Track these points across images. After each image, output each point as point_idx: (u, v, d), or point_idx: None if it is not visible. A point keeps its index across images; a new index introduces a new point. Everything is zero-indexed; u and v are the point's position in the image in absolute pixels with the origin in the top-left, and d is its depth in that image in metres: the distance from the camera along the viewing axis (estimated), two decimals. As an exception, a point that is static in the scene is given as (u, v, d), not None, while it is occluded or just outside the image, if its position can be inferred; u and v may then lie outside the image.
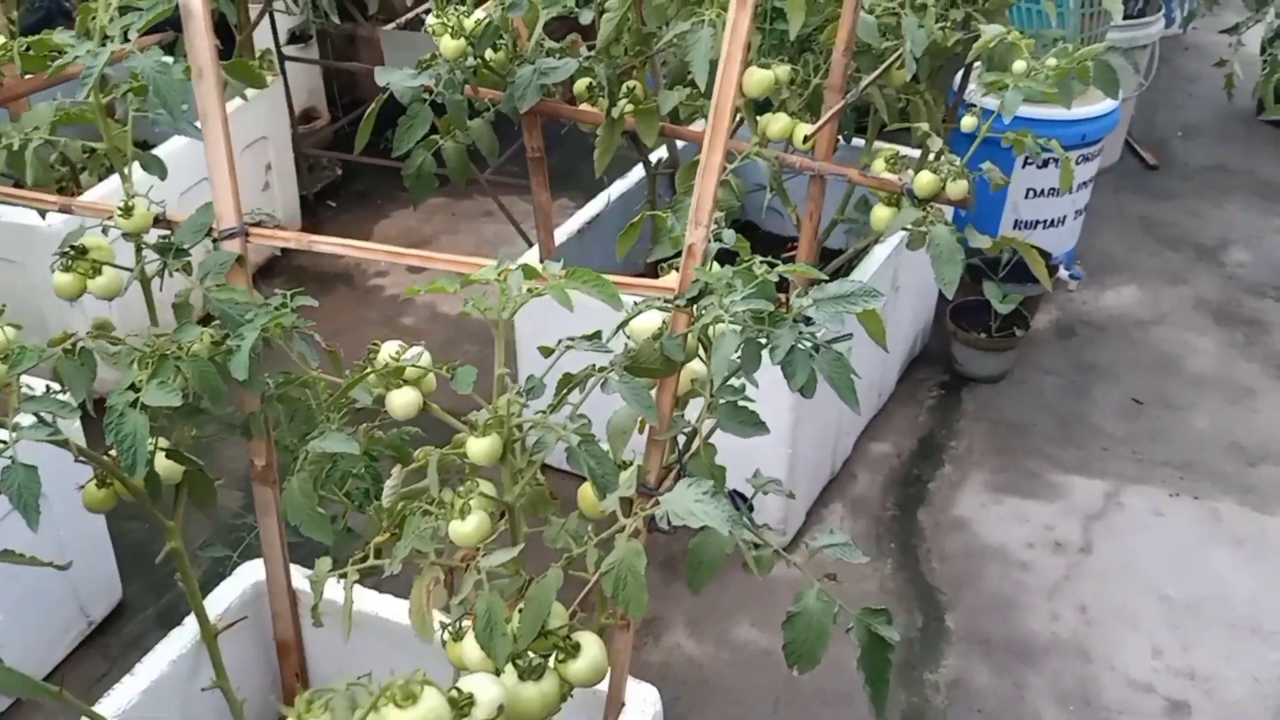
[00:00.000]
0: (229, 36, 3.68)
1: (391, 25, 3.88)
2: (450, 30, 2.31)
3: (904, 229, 2.27)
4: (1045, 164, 3.61)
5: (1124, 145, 4.57)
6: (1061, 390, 3.39)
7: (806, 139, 2.27)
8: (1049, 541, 2.87)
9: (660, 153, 3.09)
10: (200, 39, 1.59)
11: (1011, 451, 3.16)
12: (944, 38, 2.49)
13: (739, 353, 1.32)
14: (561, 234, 3.01)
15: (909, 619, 2.67)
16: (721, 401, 1.39)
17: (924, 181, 2.23)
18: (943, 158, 2.25)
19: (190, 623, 1.83)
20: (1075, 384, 3.41)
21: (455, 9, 2.39)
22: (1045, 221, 3.73)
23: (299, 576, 1.92)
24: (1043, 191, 3.66)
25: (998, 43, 2.32)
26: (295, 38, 4.38)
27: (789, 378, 1.32)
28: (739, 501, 2.79)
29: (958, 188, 2.20)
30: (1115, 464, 3.11)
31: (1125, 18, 4.25)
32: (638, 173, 3.15)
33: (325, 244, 1.77)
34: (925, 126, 2.29)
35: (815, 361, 1.32)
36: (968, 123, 2.20)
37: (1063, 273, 3.81)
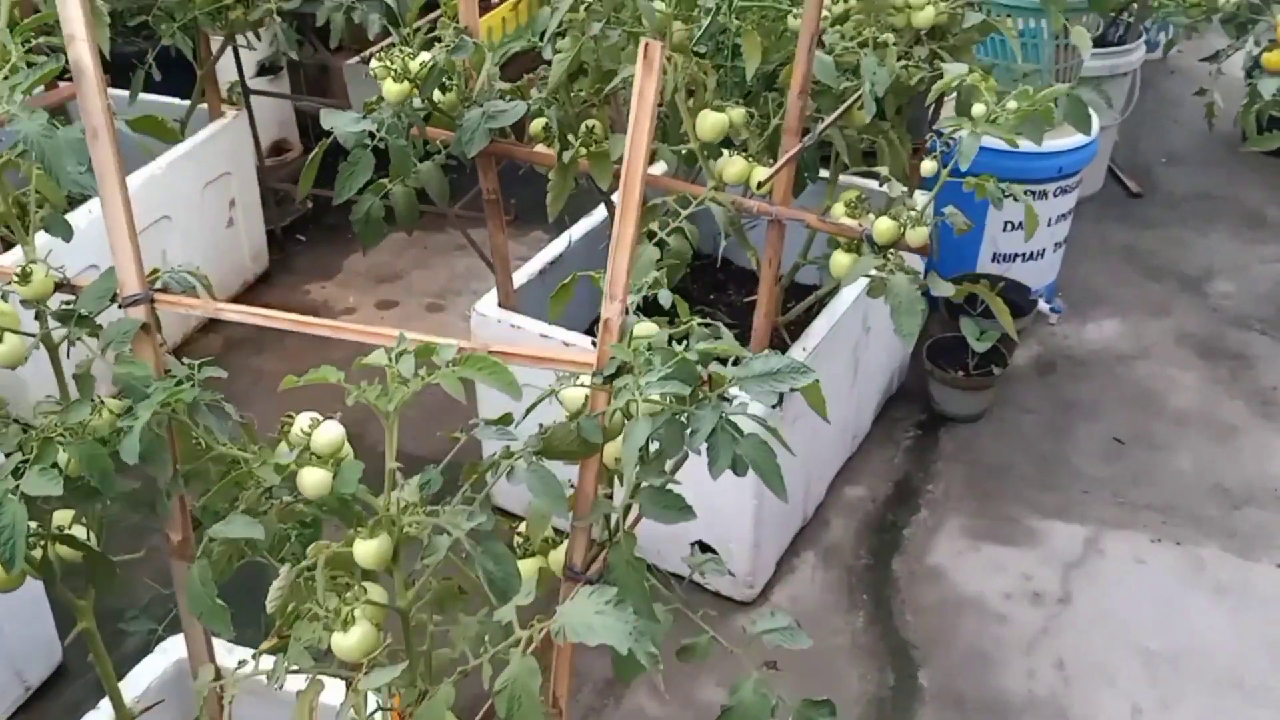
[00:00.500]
0: (191, 70, 3.61)
1: (355, 59, 3.80)
2: (393, 74, 2.23)
3: (866, 275, 2.19)
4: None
5: (1107, 173, 4.49)
6: (1042, 429, 3.30)
7: (760, 184, 2.19)
8: (1027, 592, 2.78)
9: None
10: (93, 99, 1.51)
11: (990, 495, 3.07)
12: (907, 76, 2.42)
13: (657, 437, 1.23)
14: (522, 275, 2.93)
15: (880, 676, 2.57)
16: (644, 485, 1.30)
17: (882, 228, 2.14)
18: (903, 203, 2.17)
19: (105, 706, 1.74)
20: (1056, 423, 3.32)
21: (400, 51, 2.31)
22: (1024, 255, 3.65)
23: (224, 652, 1.83)
24: (1021, 224, 3.57)
25: (960, 83, 2.24)
26: (265, 69, 4.32)
27: (710, 463, 1.23)
28: (704, 552, 2.70)
29: (917, 235, 2.12)
30: (1096, 508, 3.01)
31: (1105, 45, 4.18)
32: (602, 211, 3.07)
33: (232, 312, 1.69)
34: (884, 171, 2.21)
35: (740, 446, 1.23)
36: (927, 167, 2.12)
37: (1043, 306, 3.73)
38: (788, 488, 2.79)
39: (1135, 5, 4.18)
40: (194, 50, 3.37)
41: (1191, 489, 3.07)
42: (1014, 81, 3.15)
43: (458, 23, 2.36)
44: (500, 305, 2.78)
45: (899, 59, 2.49)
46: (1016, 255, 3.64)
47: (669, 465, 1.35)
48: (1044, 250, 3.66)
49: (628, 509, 1.33)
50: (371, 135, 2.25)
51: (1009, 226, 3.59)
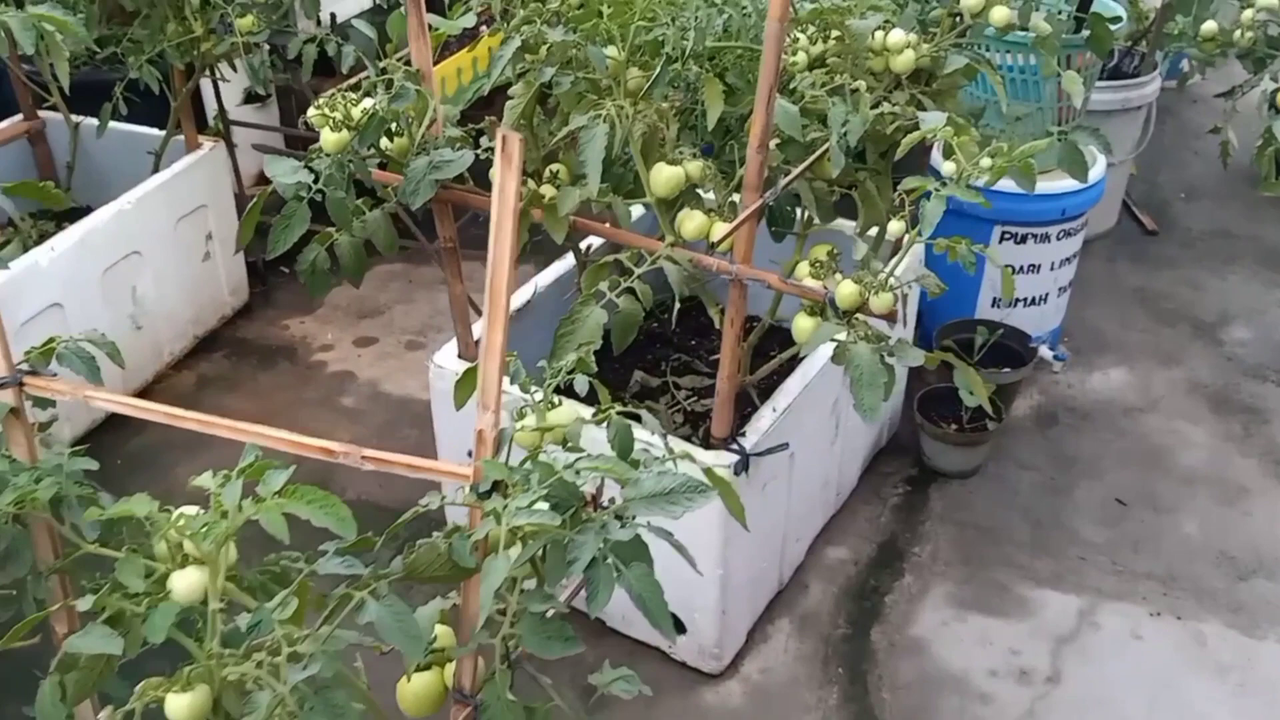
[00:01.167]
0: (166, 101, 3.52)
1: (330, 93, 3.68)
2: (330, 123, 2.11)
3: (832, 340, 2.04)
4: (1024, 239, 3.37)
5: (1121, 208, 4.31)
6: (1039, 488, 3.12)
7: (714, 244, 2.04)
8: (1014, 669, 2.60)
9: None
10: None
11: (979, 560, 2.90)
12: (884, 123, 2.27)
13: (542, 558, 1.09)
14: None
15: (851, 760, 2.42)
16: (527, 612, 1.16)
17: (845, 293, 1.99)
18: (870, 264, 2.02)
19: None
20: (1054, 481, 3.14)
21: (343, 98, 2.19)
22: (1026, 300, 3.47)
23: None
24: (1023, 268, 3.42)
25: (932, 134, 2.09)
26: (251, 98, 4.22)
27: (589, 598, 1.09)
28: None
29: (880, 302, 1.97)
30: (1093, 576, 2.84)
31: (1120, 77, 4.00)
32: (571, 258, 2.94)
33: (101, 399, 1.56)
34: (853, 227, 2.06)
35: (624, 579, 1.09)
36: (893, 229, 1.97)
37: (1046, 353, 3.55)
38: (760, 553, 2.69)
39: (1149, 38, 4.01)
40: (163, 82, 3.27)
41: (1196, 557, 2.88)
42: (1013, 120, 3.00)
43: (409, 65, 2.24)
44: (460, 357, 2.65)
45: (875, 105, 2.35)
46: (1018, 300, 3.47)
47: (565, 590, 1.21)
48: (1047, 295, 3.48)
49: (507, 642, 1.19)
50: (312, 185, 2.13)
51: (1011, 270, 3.41)
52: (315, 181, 2.11)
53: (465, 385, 1.54)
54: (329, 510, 1.08)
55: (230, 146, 3.84)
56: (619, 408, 1.47)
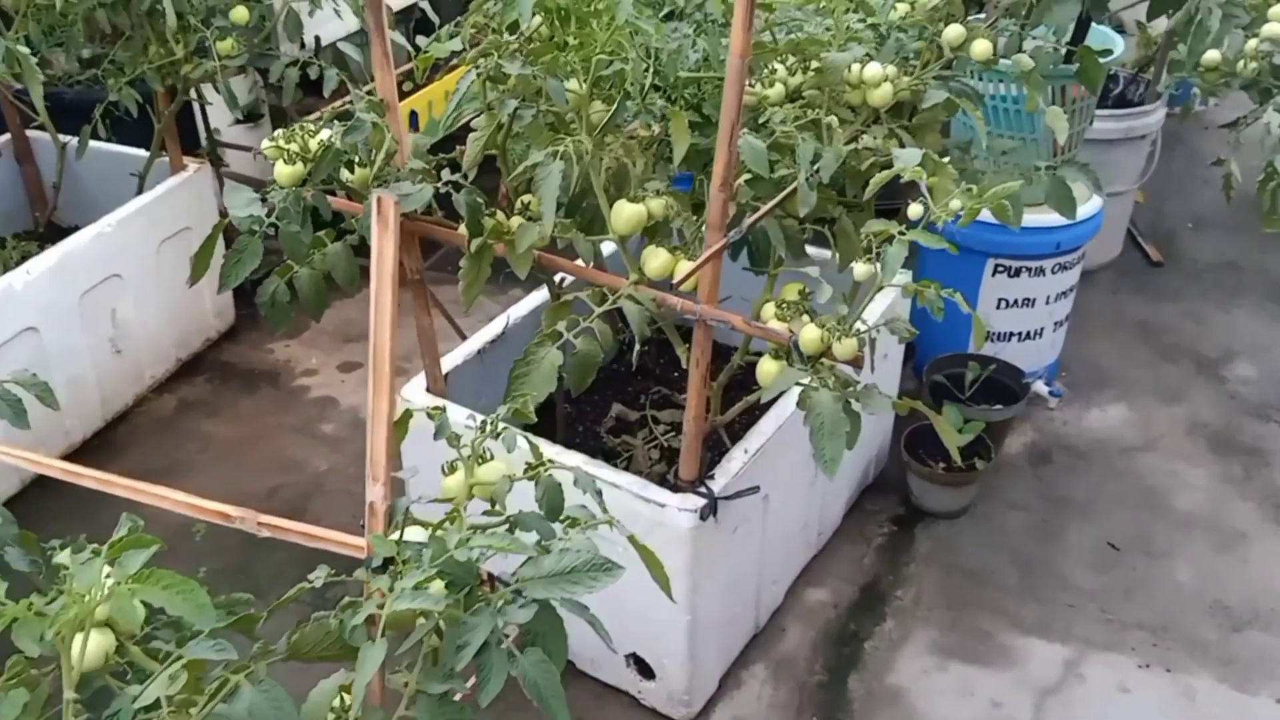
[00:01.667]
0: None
1: (312, 118, 3.64)
2: (285, 155, 2.06)
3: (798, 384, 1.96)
4: (1017, 273, 3.28)
5: (1126, 238, 4.21)
6: (1029, 530, 3.03)
7: (676, 284, 1.97)
8: (993, 721, 2.52)
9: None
10: None
11: (964, 605, 2.81)
12: (859, 159, 2.20)
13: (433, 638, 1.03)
14: (458, 355, 2.74)
15: (820, 817, 2.33)
16: (421, 693, 1.09)
17: (808, 337, 1.92)
18: (837, 307, 1.94)
19: None
20: (1045, 523, 3.05)
21: (301, 129, 2.14)
22: (1020, 334, 3.38)
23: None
24: (1016, 302, 3.33)
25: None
26: (246, 117, 4.19)
27: (479, 685, 1.02)
28: (638, 665, 2.47)
29: (845, 347, 1.89)
30: (1081, 624, 2.74)
31: (1125, 105, 3.91)
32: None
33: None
34: (814, 271, 1.99)
35: (517, 665, 1.01)
36: (860, 271, 1.89)
37: (1041, 388, 3.46)
38: (732, 597, 2.61)
39: (1153, 66, 3.92)
40: (147, 104, 3.24)
41: (1189, 606, 2.78)
42: (999, 154, 2.92)
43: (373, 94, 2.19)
44: (429, 391, 2.59)
45: (851, 140, 2.28)
46: (1012, 334, 3.38)
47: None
48: (1042, 329, 3.39)
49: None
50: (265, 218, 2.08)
51: (1002, 304, 3.33)
52: (270, 214, 2.06)
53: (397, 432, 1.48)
54: (186, 596, 1.01)
55: (218, 168, 3.81)
56: (551, 462, 1.40)
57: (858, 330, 1.94)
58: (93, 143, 3.65)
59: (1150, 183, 4.11)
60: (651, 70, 1.91)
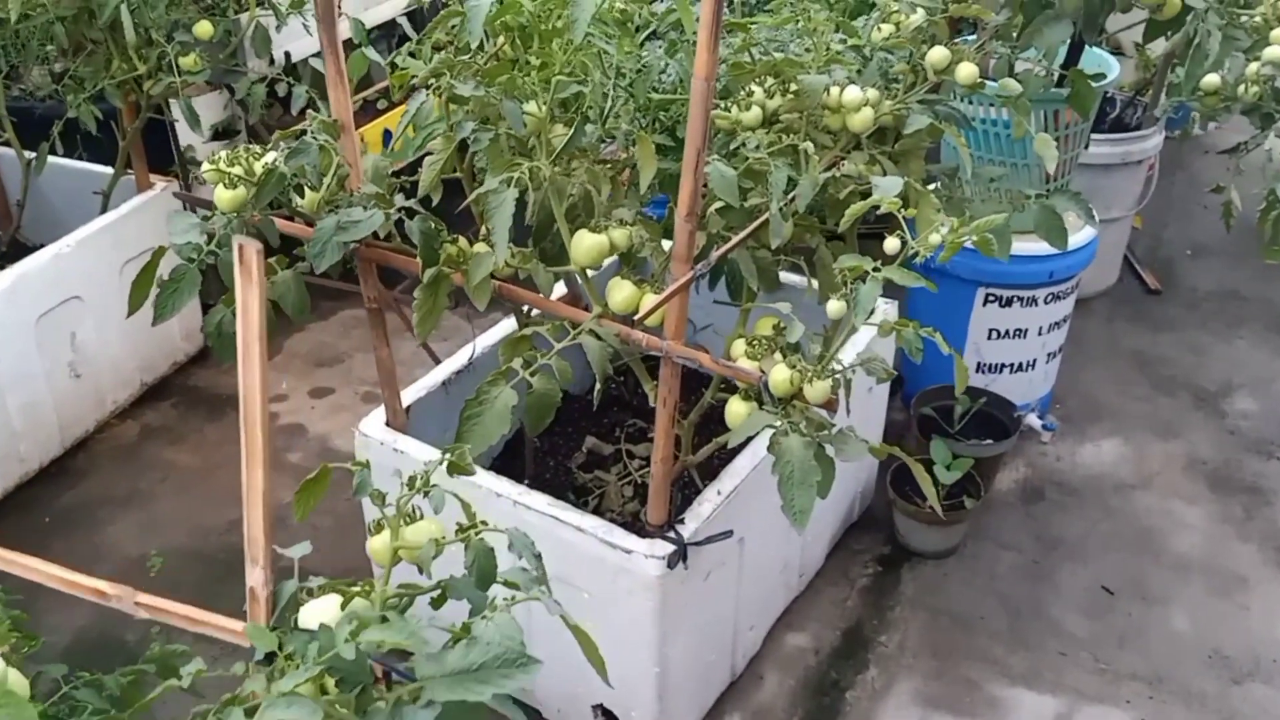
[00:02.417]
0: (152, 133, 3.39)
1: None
2: (225, 179, 1.94)
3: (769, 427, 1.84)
4: (1009, 302, 3.17)
5: (1123, 264, 4.09)
6: (1020, 572, 2.90)
7: (638, 319, 1.85)
8: (979, 779, 2.39)
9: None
10: None
11: (951, 652, 2.68)
12: (837, 187, 2.08)
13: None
14: (421, 387, 2.62)
15: None
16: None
17: (778, 379, 1.80)
18: (808, 346, 1.82)
19: None
20: (1037, 565, 2.92)
21: (246, 151, 2.03)
22: (1012, 365, 3.26)
23: None
24: (1008, 333, 3.21)
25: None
26: (220, 133, 4.08)
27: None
28: (606, 717, 2.34)
29: (816, 390, 1.77)
30: (1073, 674, 2.61)
31: (1122, 129, 3.80)
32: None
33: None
34: (785, 307, 1.86)
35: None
36: (833, 309, 1.77)
37: (1034, 421, 3.34)
38: (705, 646, 2.47)
39: (1151, 89, 3.81)
40: (97, 121, 3.12)
41: (1186, 655, 2.65)
42: (989, 182, 2.81)
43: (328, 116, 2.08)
44: (388, 425, 2.47)
45: (829, 167, 2.16)
46: (1004, 365, 3.26)
47: None
48: (1035, 361, 3.27)
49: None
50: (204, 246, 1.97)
51: (994, 334, 3.21)
52: (210, 241, 1.95)
53: (306, 496, 1.35)
54: (9, 712, 0.88)
55: (187, 186, 3.70)
56: (484, 526, 1.27)
57: (833, 370, 1.82)
58: (63, 160, 3.56)
59: (1148, 208, 3.99)
60: (613, 93, 1.79)
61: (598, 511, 2.65)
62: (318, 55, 3.46)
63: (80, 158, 3.78)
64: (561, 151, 1.85)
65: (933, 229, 1.80)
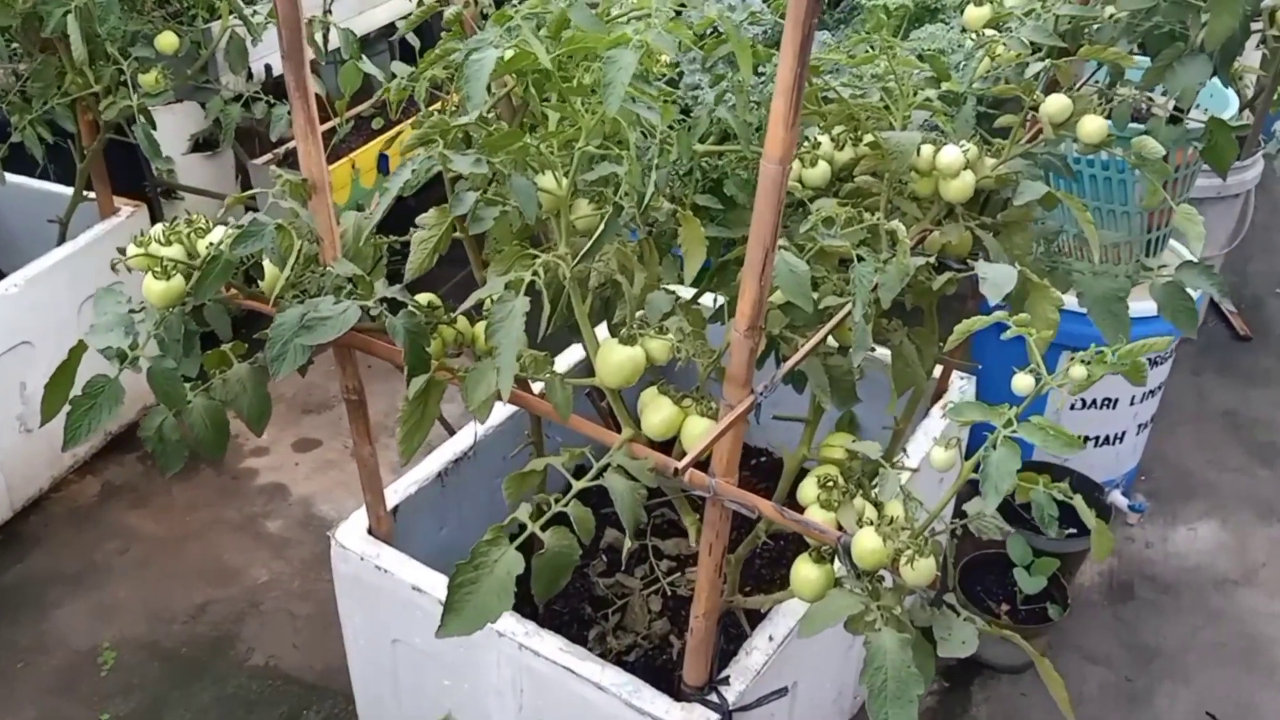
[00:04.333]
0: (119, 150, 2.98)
1: (266, 157, 3.12)
2: (155, 269, 1.53)
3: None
4: (1098, 369, 2.73)
5: (1209, 306, 3.65)
6: (1111, 692, 2.49)
7: (678, 469, 1.42)
8: None
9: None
10: None
11: (1033, 796, 2.27)
12: (927, 275, 1.66)
13: None
14: (410, 481, 2.20)
15: None
16: None
17: (865, 548, 1.38)
18: (900, 507, 1.41)
19: None
20: (1129, 683, 2.51)
21: (189, 225, 1.61)
22: (1097, 439, 2.84)
23: None
24: (1095, 402, 2.78)
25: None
26: (201, 144, 3.65)
27: None
28: None
29: (920, 571, 1.35)
30: (1180, 830, 2.21)
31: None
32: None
33: None
34: (874, 450, 1.44)
35: None
36: (939, 460, 1.35)
37: (1120, 499, 2.91)
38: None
39: (1254, 108, 3.36)
40: (45, 146, 2.71)
41: (1315, 808, 2.25)
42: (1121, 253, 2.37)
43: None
44: (370, 533, 2.06)
45: (917, 243, 1.74)
46: (1088, 439, 2.83)
47: None
48: (1124, 433, 2.84)
49: None
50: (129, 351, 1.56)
51: (1080, 404, 2.78)
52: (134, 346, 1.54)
53: None
54: None
55: (156, 208, 3.29)
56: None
57: (934, 532, 1.41)
58: (23, 179, 3.16)
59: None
60: (653, 170, 1.36)
61: (620, 629, 2.25)
62: (303, 68, 3.04)
63: (47, 176, 3.38)
64: (590, 249, 1.42)
65: (1075, 361, 1.38)
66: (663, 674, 2.06)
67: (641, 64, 1.37)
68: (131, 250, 1.55)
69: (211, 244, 1.57)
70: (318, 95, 2.84)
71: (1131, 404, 2.80)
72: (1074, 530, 2.63)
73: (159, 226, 1.61)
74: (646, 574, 2.33)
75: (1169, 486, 3.02)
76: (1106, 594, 2.72)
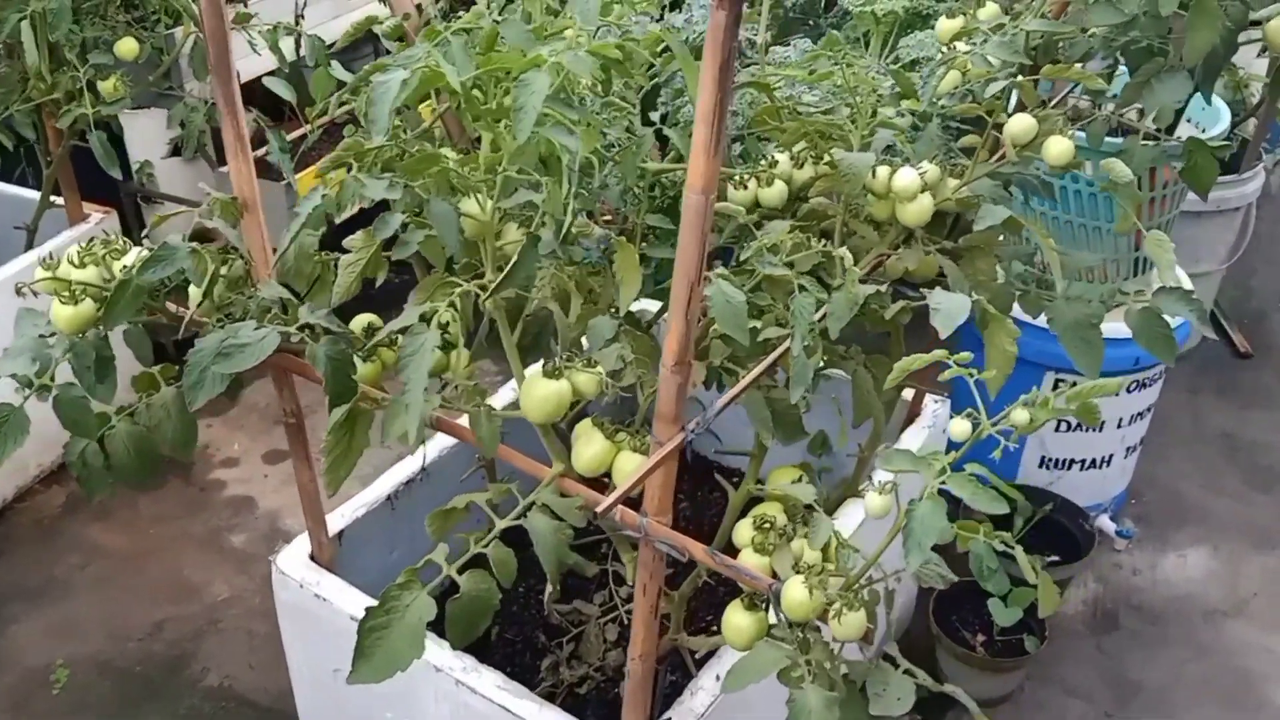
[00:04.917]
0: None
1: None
2: (62, 293, 1.47)
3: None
4: (1084, 391, 2.64)
5: (1209, 321, 3.53)
6: (1088, 728, 2.40)
7: (604, 507, 1.35)
8: None
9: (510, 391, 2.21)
10: None
11: (1003, 838, 2.19)
12: (880, 302, 1.58)
13: None
14: (359, 504, 2.13)
15: None
16: None
17: (793, 600, 1.30)
18: (829, 552, 1.33)
19: None
20: (1110, 719, 2.41)
21: (105, 246, 1.55)
22: (1083, 462, 2.74)
23: None
24: (1080, 425, 2.68)
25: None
26: (177, 150, 3.59)
27: None
28: None
29: (849, 625, 1.27)
30: None
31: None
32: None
33: None
34: (808, 494, 1.36)
35: None
36: (874, 506, 1.27)
37: (1106, 524, 2.82)
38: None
39: (1256, 118, 3.25)
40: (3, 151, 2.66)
41: None
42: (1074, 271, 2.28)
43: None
44: (313, 559, 2.00)
45: (873, 269, 1.66)
46: (1073, 462, 2.74)
47: None
48: (1111, 456, 2.75)
49: None
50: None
51: (1064, 426, 2.69)
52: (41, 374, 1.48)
53: None
54: None
55: (132, 214, 3.24)
56: None
57: (869, 582, 1.33)
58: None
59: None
60: (571, 197, 1.28)
61: (574, 658, 2.17)
62: (273, 73, 2.98)
63: (23, 181, 3.34)
64: (504, 280, 1.34)
65: (1017, 405, 1.30)
66: (614, 708, 1.99)
67: (566, 85, 1.29)
68: (38, 274, 1.49)
69: (125, 267, 1.50)
70: (290, 102, 2.79)
71: (1119, 426, 2.70)
72: (1056, 558, 2.55)
73: (74, 248, 1.54)
74: (605, 600, 2.26)
75: (1160, 511, 2.92)
76: (1090, 624, 2.63)
